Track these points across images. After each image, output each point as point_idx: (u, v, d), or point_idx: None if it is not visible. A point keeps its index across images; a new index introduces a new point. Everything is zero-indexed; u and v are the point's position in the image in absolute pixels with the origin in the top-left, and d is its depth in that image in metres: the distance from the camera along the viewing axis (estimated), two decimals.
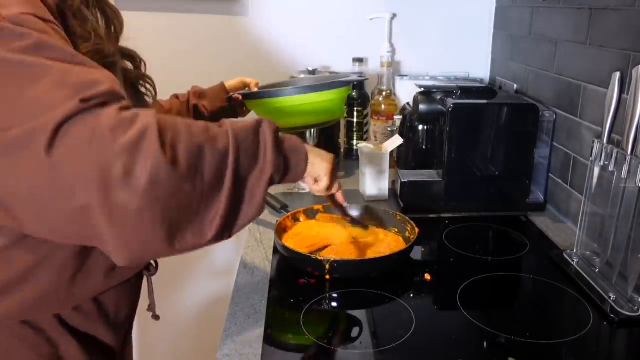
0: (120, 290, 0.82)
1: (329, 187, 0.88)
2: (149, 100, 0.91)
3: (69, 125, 0.54)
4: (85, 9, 0.72)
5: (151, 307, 0.95)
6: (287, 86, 1.40)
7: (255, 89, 1.29)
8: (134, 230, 0.57)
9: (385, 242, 1.10)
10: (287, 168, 0.74)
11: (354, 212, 1.18)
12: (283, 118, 1.20)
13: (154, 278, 0.91)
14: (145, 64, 0.89)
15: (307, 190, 0.97)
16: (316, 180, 0.86)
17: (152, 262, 0.90)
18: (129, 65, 0.87)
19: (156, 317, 0.95)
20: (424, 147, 1.39)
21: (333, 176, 0.87)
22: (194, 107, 1.21)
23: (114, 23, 0.82)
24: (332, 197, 0.97)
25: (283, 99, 1.20)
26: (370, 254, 1.06)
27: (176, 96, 1.23)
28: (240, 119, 0.78)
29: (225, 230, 0.63)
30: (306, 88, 1.22)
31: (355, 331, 0.90)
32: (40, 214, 0.57)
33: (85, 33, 0.70)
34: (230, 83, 1.29)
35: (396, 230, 1.15)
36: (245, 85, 1.30)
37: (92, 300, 0.79)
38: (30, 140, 0.53)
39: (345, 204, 1.01)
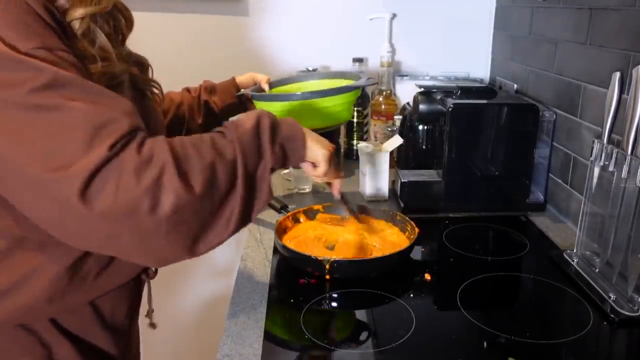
0: (116, 294, 0.81)
1: (326, 173, 0.89)
2: (158, 93, 0.91)
3: (99, 174, 0.58)
4: (94, 27, 0.70)
5: (149, 314, 0.94)
6: (297, 81, 1.41)
7: (266, 85, 1.29)
8: (162, 248, 0.64)
9: (389, 241, 1.11)
10: (285, 157, 0.79)
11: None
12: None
13: (153, 282, 0.91)
14: (152, 69, 0.90)
15: (307, 188, 0.97)
16: (315, 166, 0.87)
17: None
18: (136, 70, 0.86)
19: (152, 325, 0.94)
20: (424, 147, 1.39)
21: (331, 163, 0.88)
22: (205, 102, 1.22)
23: (122, 24, 0.81)
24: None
25: (291, 103, 1.20)
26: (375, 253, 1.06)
27: (187, 89, 1.24)
28: (242, 115, 0.79)
29: (243, 223, 0.70)
30: (315, 93, 1.22)
31: (355, 331, 0.90)
32: (75, 242, 0.65)
33: (94, 54, 0.69)
34: (240, 78, 1.29)
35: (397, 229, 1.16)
36: (256, 82, 1.30)
37: (87, 303, 0.78)
38: (62, 187, 0.58)
39: (337, 197, 1.03)
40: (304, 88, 1.41)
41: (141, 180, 0.60)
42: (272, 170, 0.75)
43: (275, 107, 1.20)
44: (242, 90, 1.27)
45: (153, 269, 0.88)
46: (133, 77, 0.84)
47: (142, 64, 0.87)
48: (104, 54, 0.70)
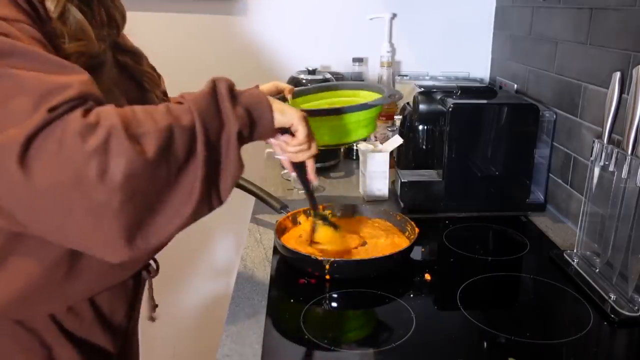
0: (115, 292, 0.81)
1: (309, 138, 0.83)
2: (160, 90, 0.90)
3: (38, 137, 0.54)
4: (70, 6, 0.69)
5: (154, 309, 0.94)
6: (319, 91, 1.34)
7: (289, 96, 1.23)
8: (118, 227, 0.58)
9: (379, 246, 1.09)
10: (252, 120, 0.73)
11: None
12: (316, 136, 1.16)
13: (153, 280, 0.90)
14: (146, 59, 0.88)
15: (284, 155, 0.89)
16: (292, 134, 0.82)
17: (153, 263, 0.89)
18: (130, 60, 0.85)
19: (151, 319, 0.94)
20: (424, 147, 1.38)
21: (309, 127, 0.82)
22: None
23: (114, 17, 0.81)
24: (302, 171, 0.93)
25: (315, 119, 1.11)
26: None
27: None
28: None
29: (209, 200, 0.66)
30: (339, 109, 1.14)
31: (355, 331, 0.90)
32: (29, 219, 0.59)
33: (69, 34, 0.68)
34: (264, 87, 1.21)
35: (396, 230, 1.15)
36: (279, 91, 1.23)
37: (86, 301, 0.78)
38: (1, 155, 0.54)
39: (315, 182, 0.97)
40: (326, 98, 1.33)
41: (86, 142, 0.55)
42: (241, 136, 0.69)
43: None
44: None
45: (154, 266, 0.87)
46: (127, 68, 0.84)
47: (133, 53, 0.86)
48: (80, 34, 0.69)
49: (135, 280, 0.85)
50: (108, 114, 0.59)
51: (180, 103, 0.67)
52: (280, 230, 1.13)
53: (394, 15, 1.70)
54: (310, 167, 0.93)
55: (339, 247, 1.07)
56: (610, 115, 0.97)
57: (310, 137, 0.84)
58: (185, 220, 0.63)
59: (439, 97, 1.32)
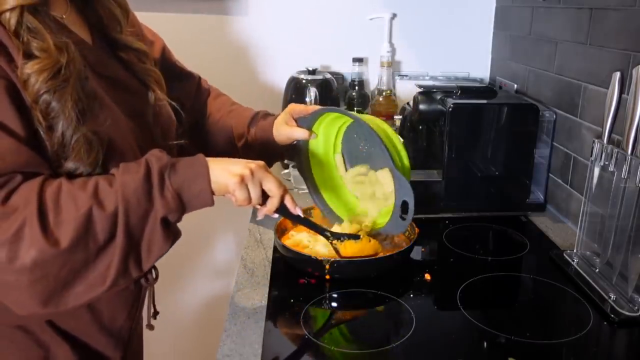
0: (115, 297, 0.81)
1: (248, 198, 0.76)
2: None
3: None
4: (28, 16, 0.66)
5: (154, 316, 0.93)
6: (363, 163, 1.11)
7: (311, 135, 1.04)
8: (24, 300, 0.63)
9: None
10: (182, 203, 0.70)
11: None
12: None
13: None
14: (149, 58, 0.88)
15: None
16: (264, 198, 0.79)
17: (153, 270, 0.88)
18: (134, 58, 0.84)
19: (150, 327, 0.93)
20: (424, 147, 1.38)
21: (251, 183, 0.76)
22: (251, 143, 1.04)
23: (114, 14, 0.81)
24: (284, 212, 0.84)
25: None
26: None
27: (263, 116, 1.06)
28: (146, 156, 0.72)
29: (127, 276, 0.68)
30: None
31: (355, 331, 0.90)
32: None
33: (24, 50, 0.65)
34: (279, 119, 1.05)
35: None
36: (299, 112, 1.04)
37: (85, 307, 0.78)
38: None
39: (301, 213, 0.86)
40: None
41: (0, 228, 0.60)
42: (166, 221, 0.69)
43: None
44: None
45: (153, 275, 0.86)
46: (131, 65, 0.83)
47: (140, 51, 0.86)
48: (36, 48, 0.66)
49: (136, 285, 0.85)
50: (28, 201, 0.61)
51: (110, 180, 0.67)
52: (280, 230, 1.13)
53: (394, 15, 1.70)
54: (290, 205, 0.85)
55: (371, 251, 1.02)
56: (610, 115, 0.97)
57: (260, 190, 0.77)
58: (103, 291, 0.66)
59: (439, 97, 1.32)
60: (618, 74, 0.96)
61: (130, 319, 0.85)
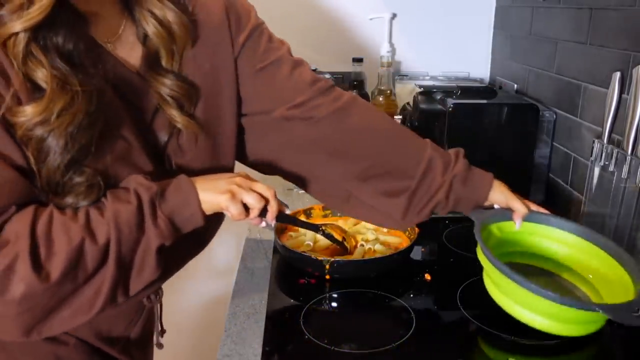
0: (116, 314, 0.81)
1: (244, 211, 0.74)
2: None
3: None
4: (35, 48, 0.60)
5: (161, 333, 0.92)
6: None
7: (518, 222, 0.90)
8: (11, 329, 0.63)
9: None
10: (175, 228, 0.69)
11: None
12: None
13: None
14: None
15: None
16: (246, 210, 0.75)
17: (159, 289, 0.86)
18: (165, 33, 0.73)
19: (159, 345, 0.92)
20: None
21: (244, 194, 0.73)
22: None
23: (172, 31, 0.73)
24: (282, 218, 0.81)
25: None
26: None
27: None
28: (132, 181, 0.69)
29: (116, 296, 0.67)
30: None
31: (355, 331, 0.90)
32: None
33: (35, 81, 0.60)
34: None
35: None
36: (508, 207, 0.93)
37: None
38: None
39: (271, 223, 0.79)
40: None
41: None
42: (161, 248, 0.67)
43: None
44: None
45: (156, 293, 0.85)
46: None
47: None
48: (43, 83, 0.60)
49: (140, 304, 0.84)
50: (19, 235, 0.60)
51: (101, 209, 0.65)
52: (280, 230, 1.13)
53: (394, 15, 1.70)
54: (278, 210, 0.79)
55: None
56: (610, 115, 0.97)
57: (256, 195, 0.74)
58: (90, 317, 0.66)
59: (439, 97, 1.32)
60: (618, 74, 0.96)
61: (128, 332, 0.84)
